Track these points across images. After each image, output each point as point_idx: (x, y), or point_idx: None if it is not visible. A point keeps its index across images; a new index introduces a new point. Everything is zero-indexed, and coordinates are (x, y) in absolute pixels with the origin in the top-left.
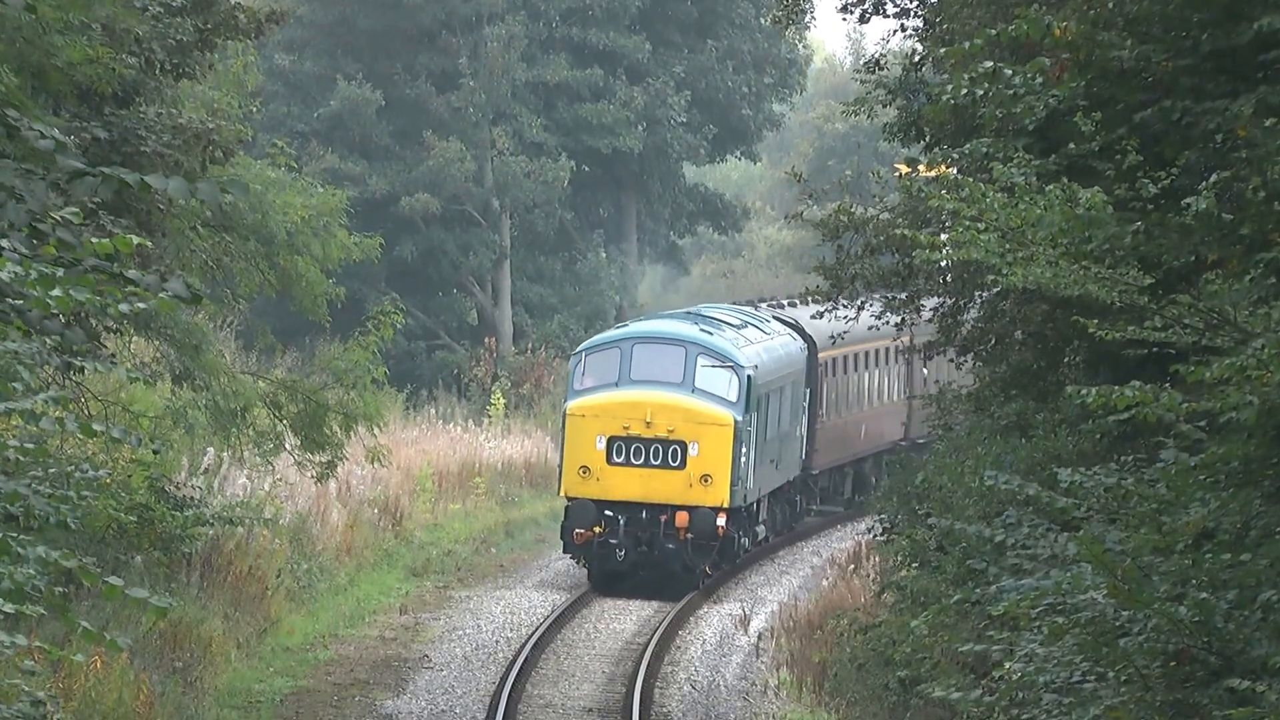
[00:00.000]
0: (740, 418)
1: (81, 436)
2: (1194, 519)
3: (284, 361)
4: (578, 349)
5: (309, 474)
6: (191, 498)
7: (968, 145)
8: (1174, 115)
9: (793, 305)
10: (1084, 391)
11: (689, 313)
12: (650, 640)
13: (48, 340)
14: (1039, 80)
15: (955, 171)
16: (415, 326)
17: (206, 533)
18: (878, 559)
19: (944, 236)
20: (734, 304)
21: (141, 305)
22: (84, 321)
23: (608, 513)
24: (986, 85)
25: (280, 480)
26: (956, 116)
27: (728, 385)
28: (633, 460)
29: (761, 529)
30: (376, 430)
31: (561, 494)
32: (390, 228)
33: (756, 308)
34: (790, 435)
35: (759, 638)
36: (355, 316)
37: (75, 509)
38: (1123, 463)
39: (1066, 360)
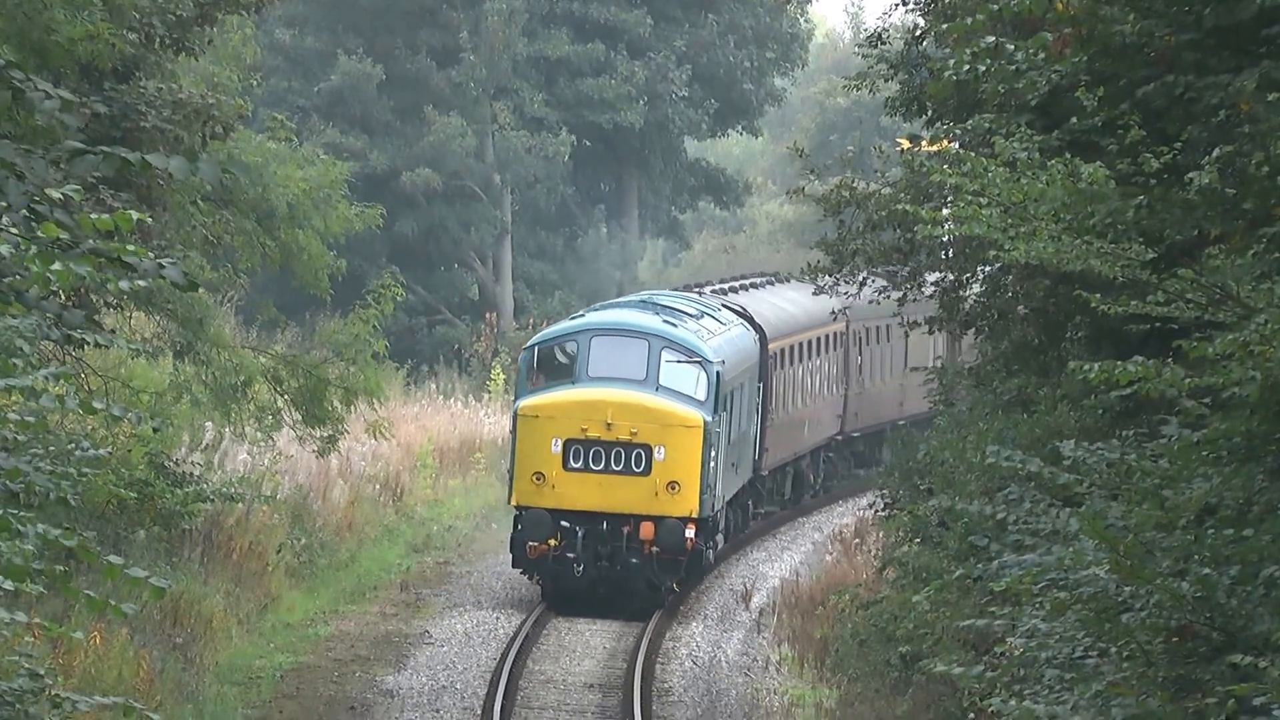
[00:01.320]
0: (710, 418)
1: (82, 414)
2: (1196, 495)
3: (284, 337)
4: (528, 342)
5: (310, 449)
6: (191, 474)
7: (970, 120)
8: (1176, 90)
9: (736, 290)
10: (1086, 367)
11: (644, 301)
12: (652, 617)
13: (47, 316)
14: (1041, 56)
15: (957, 146)
16: (416, 302)
17: (206, 509)
18: (879, 535)
19: (946, 212)
20: (675, 290)
21: (141, 282)
22: (84, 297)
23: (564, 524)
24: (988, 61)
25: (280, 456)
26: (959, 92)
27: (695, 382)
28: (592, 466)
29: (720, 539)
30: (377, 405)
31: (512, 503)
32: (391, 203)
33: (700, 293)
34: (746, 435)
35: (760, 614)
36: (356, 292)
37: (75, 485)
38: (1125, 438)
39: (1068, 336)
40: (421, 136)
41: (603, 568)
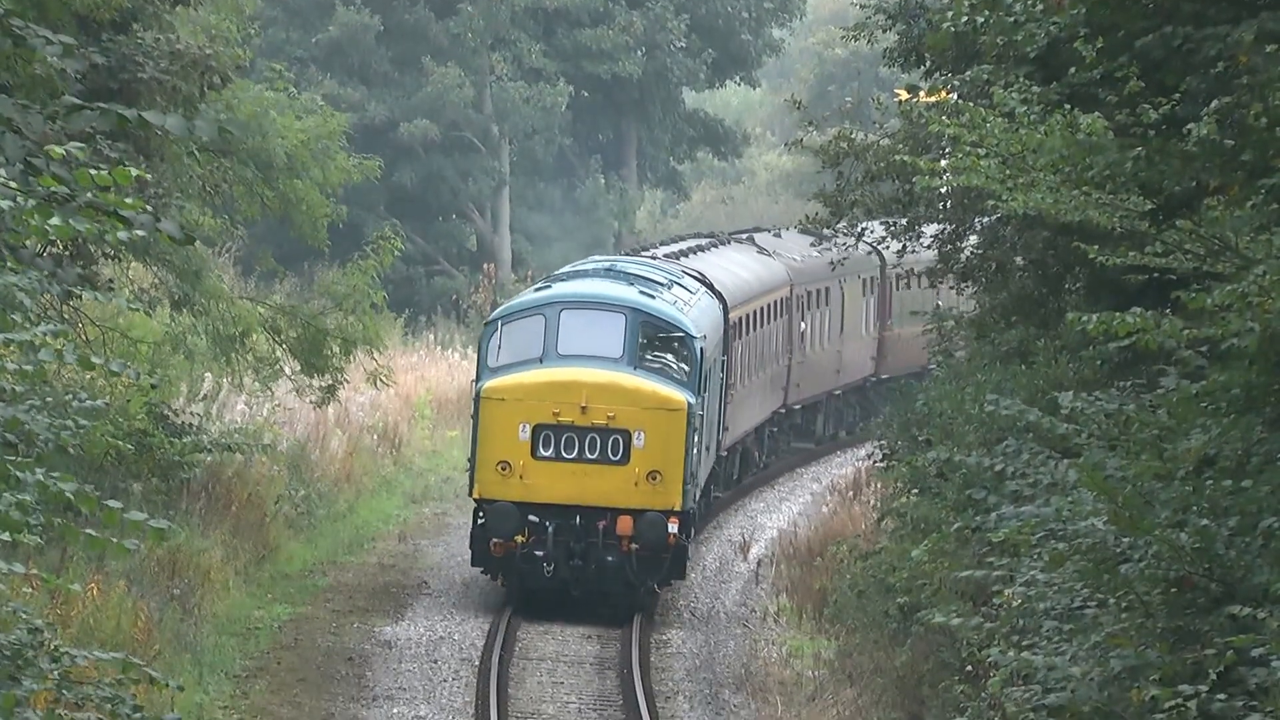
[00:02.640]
0: (693, 399)
1: (80, 369)
2: (1195, 445)
3: (283, 288)
4: (490, 316)
5: (309, 399)
6: (190, 424)
7: (968, 72)
8: (1175, 42)
9: (686, 254)
10: (1085, 318)
11: (611, 269)
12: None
13: (43, 272)
14: (1040, 7)
15: (956, 97)
16: (414, 252)
17: (205, 459)
18: (878, 486)
19: (944, 163)
20: (629, 254)
21: (140, 232)
22: (82, 248)
23: (532, 518)
24: (987, 12)
25: (279, 407)
26: (957, 43)
27: (677, 360)
28: (564, 454)
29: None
30: (376, 354)
31: (474, 496)
32: (389, 154)
33: (654, 258)
34: (714, 412)
35: (759, 565)
36: (354, 243)
37: (74, 434)
38: (1124, 389)
39: (1067, 287)
40: (419, 87)
41: (575, 567)
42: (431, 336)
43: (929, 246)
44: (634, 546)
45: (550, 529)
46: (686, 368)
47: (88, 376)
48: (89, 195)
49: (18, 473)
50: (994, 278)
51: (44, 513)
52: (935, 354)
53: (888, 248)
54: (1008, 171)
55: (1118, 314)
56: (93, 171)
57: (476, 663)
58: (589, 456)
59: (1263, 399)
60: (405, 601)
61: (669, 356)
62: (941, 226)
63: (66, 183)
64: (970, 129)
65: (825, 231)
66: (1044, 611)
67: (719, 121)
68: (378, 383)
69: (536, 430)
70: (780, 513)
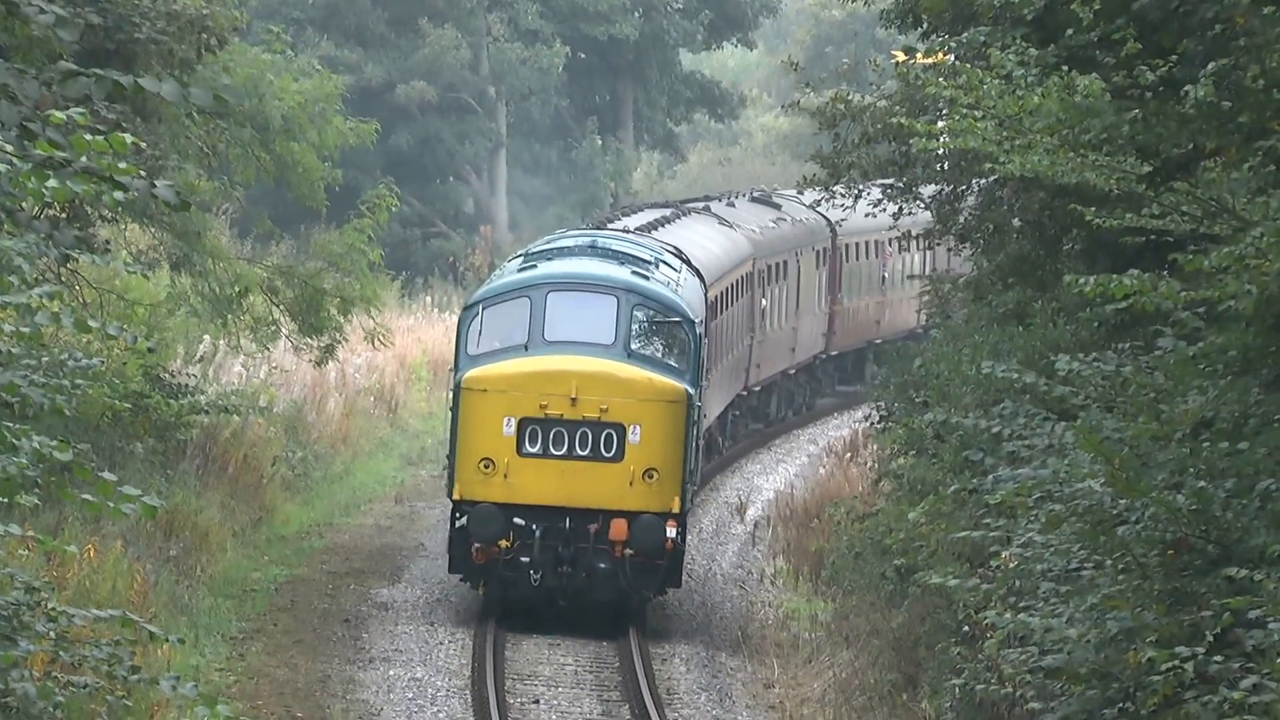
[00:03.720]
0: (693, 390)
1: (77, 332)
2: (1192, 407)
3: (280, 249)
4: (470, 300)
5: (307, 359)
6: (186, 385)
7: (965, 33)
8: (1172, 4)
9: (655, 226)
10: (1082, 281)
11: (595, 245)
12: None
13: (39, 235)
14: None
15: (953, 59)
16: (411, 214)
17: (202, 421)
18: (874, 448)
19: (941, 124)
20: (595, 227)
21: (136, 194)
22: (79, 210)
23: (518, 521)
24: None
25: (276, 369)
26: (954, 4)
27: (675, 346)
28: (552, 450)
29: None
30: (373, 314)
31: (453, 496)
32: (386, 116)
33: (626, 230)
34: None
35: (755, 527)
36: (351, 204)
37: (70, 397)
38: (1121, 351)
39: (1064, 249)
40: (416, 49)
41: (564, 574)
42: (428, 299)
43: (878, 205)
44: (628, 552)
45: (537, 533)
46: (684, 355)
47: (85, 339)
48: (84, 159)
49: (14, 439)
50: (991, 239)
51: (40, 474)
52: (932, 315)
53: (848, 207)
54: (1004, 133)
55: (1115, 276)
56: (89, 137)
57: (473, 625)
58: (579, 453)
59: (1260, 361)
60: (402, 564)
61: (665, 343)
62: (939, 188)
63: (62, 147)
64: (967, 91)
65: (776, 197)
66: (1041, 573)
67: (715, 83)
68: (375, 342)
69: (522, 424)
70: (777, 474)
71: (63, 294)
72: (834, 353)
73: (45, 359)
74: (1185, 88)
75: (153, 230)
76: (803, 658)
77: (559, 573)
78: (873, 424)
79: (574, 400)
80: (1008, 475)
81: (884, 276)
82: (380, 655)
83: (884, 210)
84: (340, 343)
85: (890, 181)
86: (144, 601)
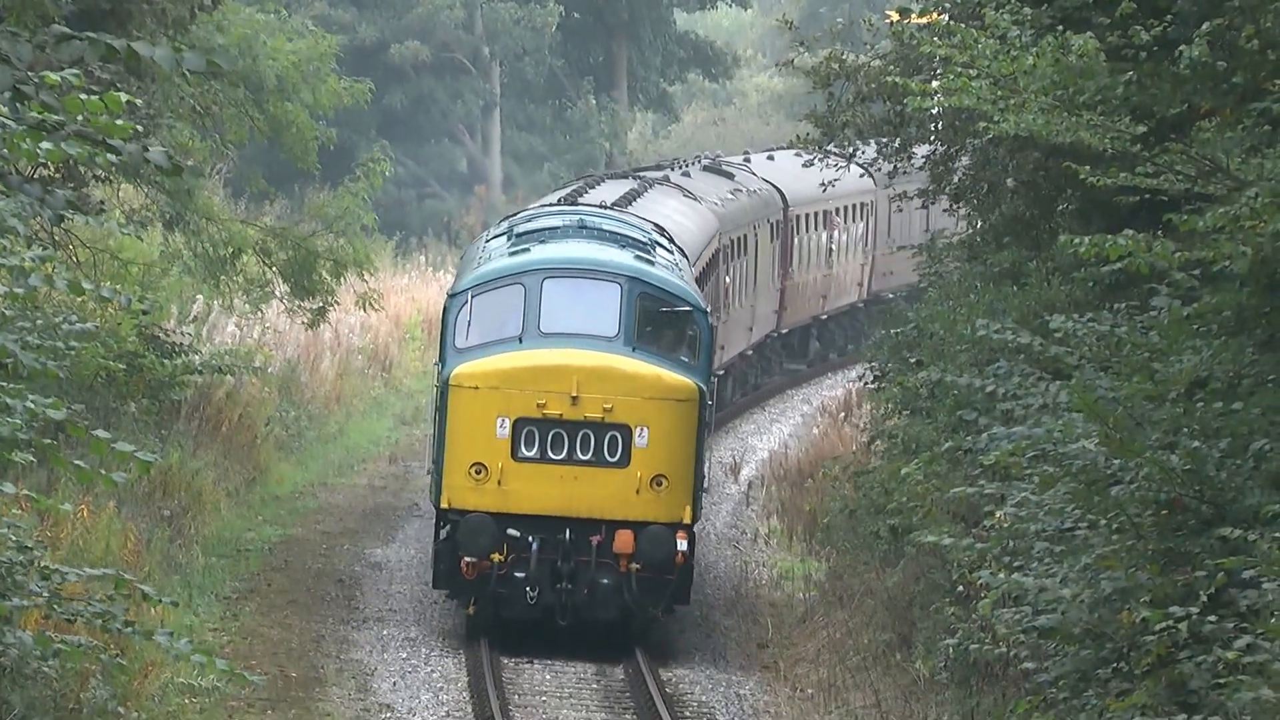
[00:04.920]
0: (705, 386)
1: (70, 294)
2: (1186, 367)
3: (273, 209)
4: (458, 287)
5: (300, 320)
6: (181, 345)
7: None
8: None
9: (630, 200)
10: (1077, 241)
11: (584, 225)
12: None
13: (33, 196)
14: None
15: (947, 19)
16: (405, 175)
17: (195, 381)
18: (868, 407)
19: (935, 84)
20: (567, 203)
21: (129, 157)
22: (73, 170)
23: (512, 532)
24: None
25: (269, 329)
26: None
27: (684, 338)
28: (551, 454)
29: None
30: (366, 276)
31: (443, 504)
32: (380, 76)
33: (603, 205)
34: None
35: (749, 486)
36: (345, 165)
37: (63, 359)
38: (1116, 311)
39: (1059, 208)
40: (410, 8)
41: (564, 591)
42: (422, 258)
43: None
44: (634, 566)
45: (534, 545)
46: (694, 348)
47: (79, 300)
48: (79, 120)
49: (8, 399)
50: (986, 199)
51: (34, 434)
52: (926, 275)
53: (842, 167)
54: (999, 92)
55: (1110, 236)
56: (84, 97)
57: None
58: (581, 457)
59: (1254, 321)
60: (396, 524)
61: (673, 335)
62: (933, 148)
63: (55, 109)
64: (961, 50)
65: (727, 166)
66: (1035, 533)
67: (710, 43)
68: (367, 306)
69: (517, 425)
70: (770, 434)
71: (56, 256)
72: (784, 330)
73: (39, 321)
74: (1180, 48)
75: (145, 190)
76: (797, 617)
77: (558, 589)
78: (867, 384)
79: (575, 399)
80: (1002, 434)
81: (831, 249)
82: (374, 615)
83: (879, 169)
84: (332, 305)
85: (885, 141)
86: (137, 561)
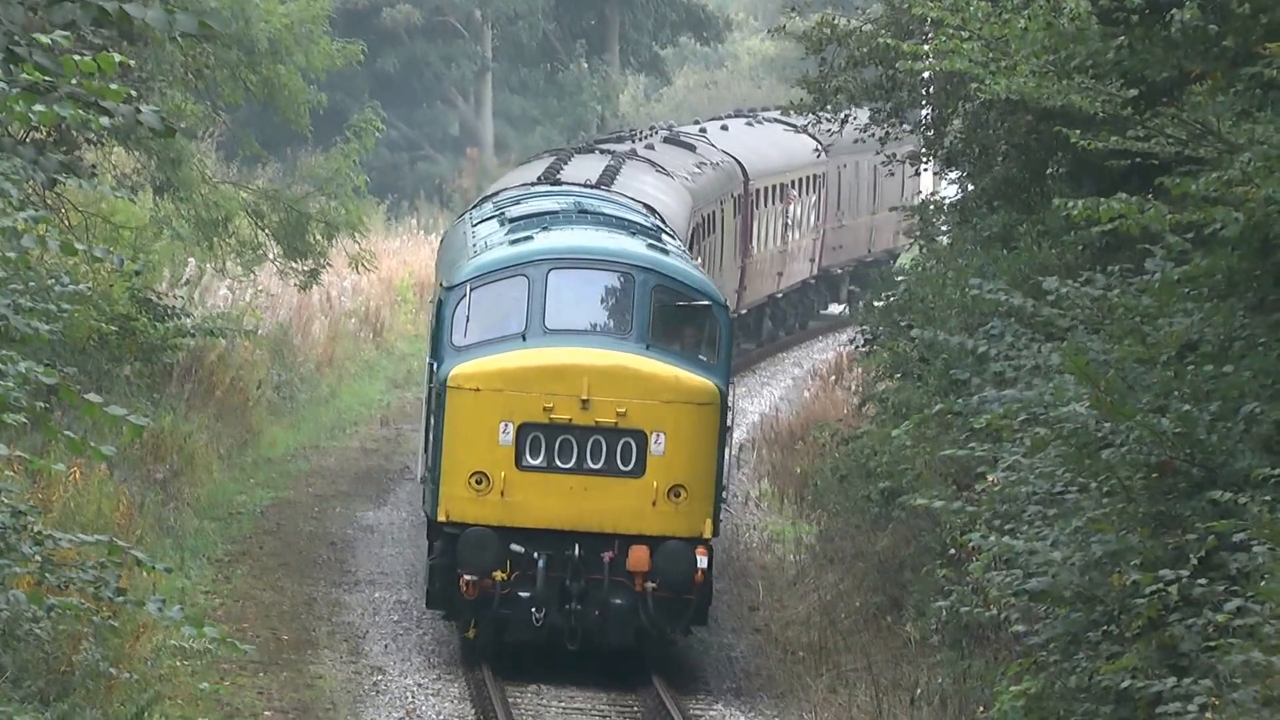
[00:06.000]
0: (724, 386)
1: (63, 255)
2: (1178, 330)
3: (266, 172)
4: (455, 279)
5: (292, 282)
6: (173, 308)
7: None
8: None
9: (612, 174)
10: (1070, 204)
11: (584, 210)
12: None
13: (26, 158)
14: None
15: None
16: (398, 138)
17: (188, 343)
18: (859, 371)
19: (927, 47)
20: (549, 181)
21: (122, 119)
22: (65, 134)
23: (516, 548)
24: None
25: (261, 292)
26: None
27: (703, 335)
28: (559, 463)
29: None
30: (358, 238)
31: (440, 517)
32: (372, 39)
33: (588, 185)
34: None
35: (740, 449)
36: (337, 127)
37: (56, 322)
38: (1108, 274)
39: (1050, 172)
40: None
41: (573, 612)
42: (414, 221)
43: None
44: (650, 585)
45: (540, 562)
46: (714, 346)
47: (71, 262)
48: (73, 82)
49: (0, 363)
50: (977, 162)
51: (27, 398)
52: (916, 239)
53: (834, 132)
54: (990, 55)
55: (1102, 199)
56: (77, 58)
57: None
58: (591, 466)
59: (1245, 284)
60: (387, 486)
61: (691, 332)
62: (925, 112)
63: (49, 71)
64: (953, 12)
65: (685, 137)
66: (1026, 496)
67: (701, 6)
68: (359, 267)
69: (522, 431)
70: (761, 397)
71: (49, 218)
72: (743, 311)
73: (32, 283)
74: (1171, 11)
75: (137, 154)
76: (787, 580)
77: (566, 610)
78: (858, 347)
79: (585, 402)
80: (993, 396)
81: (788, 224)
82: (366, 578)
83: (871, 135)
84: (324, 267)
85: (877, 105)
86: (130, 524)
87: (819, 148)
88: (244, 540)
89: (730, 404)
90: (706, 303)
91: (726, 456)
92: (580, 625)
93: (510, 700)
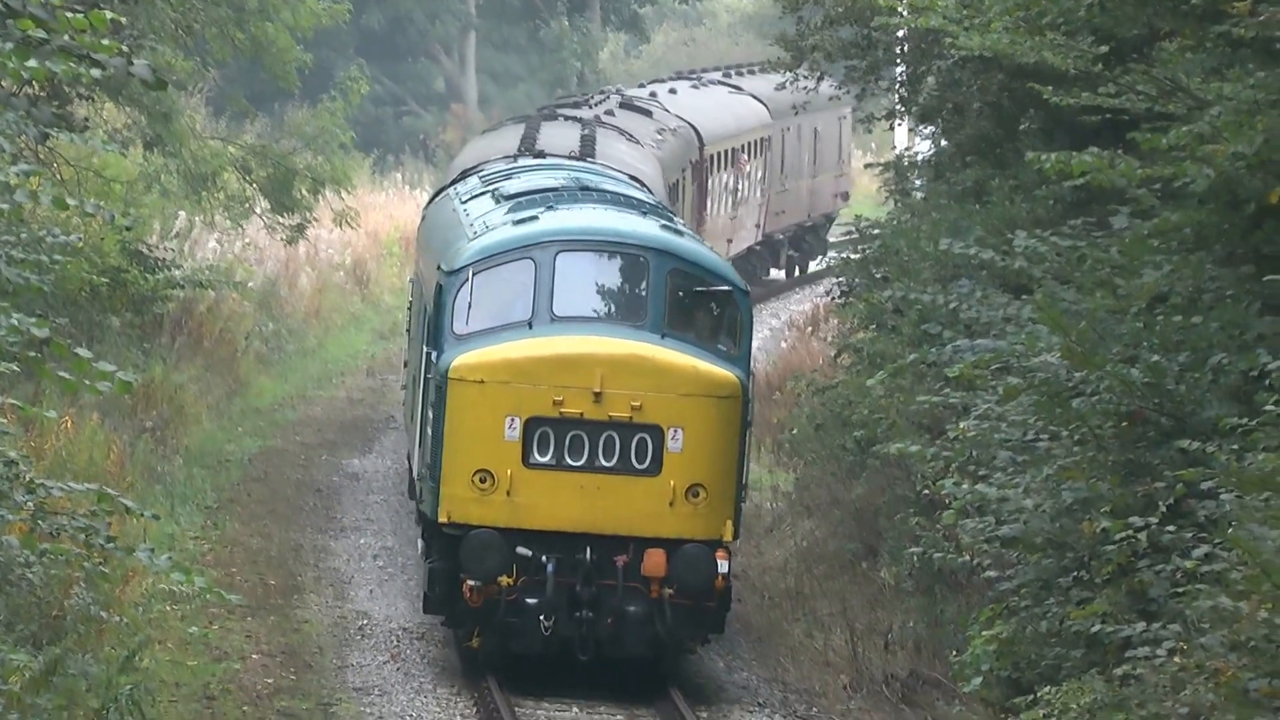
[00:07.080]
0: (745, 378)
1: (55, 209)
2: (1148, 282)
3: (254, 127)
4: (457, 263)
5: (279, 237)
6: (163, 260)
7: None
8: None
9: (590, 144)
10: (1042, 158)
11: (586, 187)
12: None
13: (18, 112)
14: None
15: None
16: (383, 93)
17: (178, 295)
18: (835, 321)
19: (902, 5)
20: (530, 156)
21: (114, 72)
22: (57, 88)
23: (524, 551)
24: None
25: (250, 244)
26: None
27: (723, 324)
28: (569, 460)
29: None
30: (344, 194)
31: (442, 518)
32: None
33: (574, 156)
34: None
35: None
36: (324, 84)
37: (48, 273)
38: (1077, 228)
39: (1023, 128)
40: None
41: (584, 621)
42: (399, 176)
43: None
44: (667, 592)
45: (549, 567)
46: (734, 335)
47: (63, 215)
48: (66, 37)
49: None
50: (951, 119)
51: (19, 349)
52: (891, 194)
53: (811, 89)
54: (964, 11)
55: (1074, 154)
56: (69, 15)
57: None
58: (604, 464)
59: (1214, 237)
60: (373, 435)
61: (711, 319)
62: (900, 69)
63: (45, 24)
64: None
65: (639, 102)
66: (998, 444)
67: None
68: (344, 224)
69: (530, 426)
70: None
71: (42, 171)
72: None
73: (24, 235)
74: None
75: (128, 110)
76: (764, 527)
77: (577, 618)
78: (834, 299)
79: (598, 395)
80: (966, 345)
81: (737, 189)
82: (351, 525)
83: (847, 92)
84: (311, 223)
85: (853, 64)
86: (120, 472)
87: (769, 110)
88: (232, 488)
89: (751, 396)
90: (727, 288)
91: (747, 454)
92: (592, 634)
93: (519, 717)
